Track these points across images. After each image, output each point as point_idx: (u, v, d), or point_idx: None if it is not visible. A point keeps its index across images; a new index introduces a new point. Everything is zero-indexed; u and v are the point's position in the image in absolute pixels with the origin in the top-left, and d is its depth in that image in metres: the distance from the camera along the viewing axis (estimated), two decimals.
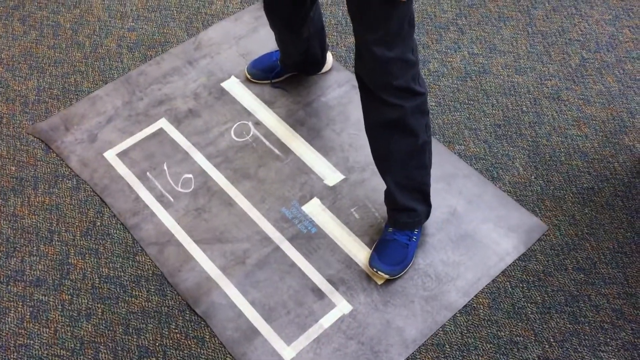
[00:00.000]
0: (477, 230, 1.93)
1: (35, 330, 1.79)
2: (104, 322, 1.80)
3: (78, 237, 1.95)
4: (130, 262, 1.90)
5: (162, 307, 1.82)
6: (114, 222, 1.97)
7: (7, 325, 1.80)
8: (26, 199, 2.03)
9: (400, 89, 1.55)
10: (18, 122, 2.21)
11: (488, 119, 2.18)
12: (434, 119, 2.17)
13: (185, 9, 2.51)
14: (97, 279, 1.87)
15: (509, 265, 1.87)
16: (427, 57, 2.35)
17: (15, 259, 1.91)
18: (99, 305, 1.83)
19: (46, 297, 1.84)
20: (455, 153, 2.10)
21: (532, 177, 2.05)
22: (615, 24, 2.45)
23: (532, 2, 2.52)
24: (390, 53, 1.48)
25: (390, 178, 1.76)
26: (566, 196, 2.01)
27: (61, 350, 1.76)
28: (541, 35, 2.42)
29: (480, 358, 1.73)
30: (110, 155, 2.11)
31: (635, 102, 2.22)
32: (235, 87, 2.26)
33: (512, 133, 2.15)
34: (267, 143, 2.13)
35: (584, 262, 1.88)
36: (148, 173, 2.07)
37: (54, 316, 1.81)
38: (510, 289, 1.84)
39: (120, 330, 1.78)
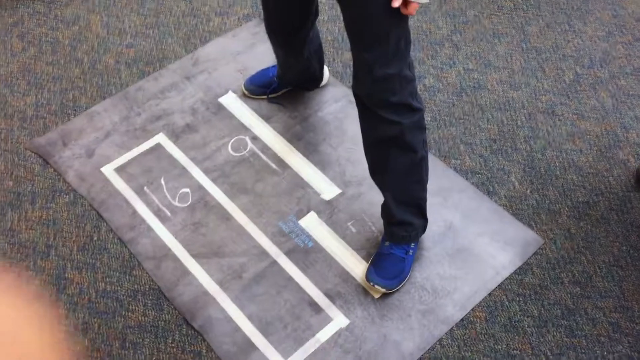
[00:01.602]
0: (474, 244, 1.93)
1: None
2: (100, 336, 1.79)
3: (75, 252, 1.95)
4: (127, 277, 1.90)
5: (159, 322, 1.82)
6: (111, 236, 1.98)
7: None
8: (23, 214, 2.03)
9: (399, 106, 1.56)
10: (16, 137, 2.22)
11: (483, 134, 2.20)
12: (430, 134, 2.19)
13: (183, 25, 2.53)
14: (93, 294, 1.87)
15: (506, 279, 1.88)
16: (423, 73, 2.37)
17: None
18: (95, 320, 1.82)
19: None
20: (451, 167, 2.11)
21: (528, 191, 2.06)
22: (609, 40, 2.48)
23: (526, 18, 2.55)
24: (388, 70, 1.50)
25: (388, 193, 1.77)
26: (562, 210, 2.02)
27: None
28: (535, 51, 2.45)
29: None
30: (108, 170, 2.11)
31: (629, 117, 2.25)
32: (233, 103, 2.28)
33: (508, 147, 2.16)
34: (264, 157, 2.14)
35: (580, 276, 1.89)
36: (145, 188, 2.07)
37: None
38: (506, 303, 1.84)
39: (117, 344, 1.78)
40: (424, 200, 1.81)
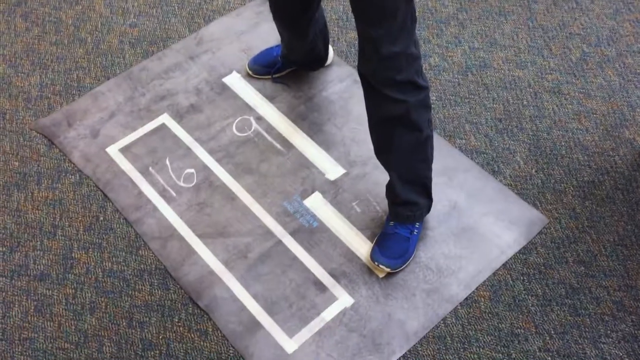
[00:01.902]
0: (478, 224, 1.94)
1: (40, 323, 1.80)
2: (107, 315, 1.81)
3: (81, 232, 1.96)
4: (134, 257, 1.91)
5: (165, 301, 1.83)
6: (117, 216, 1.99)
7: (11, 319, 1.81)
8: (29, 194, 2.04)
9: (405, 84, 1.56)
10: (21, 118, 2.22)
11: (489, 113, 2.19)
12: (435, 113, 2.18)
13: (186, 4, 2.52)
14: (100, 273, 1.89)
15: (510, 258, 1.88)
16: (428, 52, 2.35)
17: (19, 253, 1.93)
18: (102, 299, 1.84)
19: (50, 291, 1.86)
20: (456, 147, 2.11)
21: (533, 170, 2.06)
22: (616, 18, 2.45)
23: None
24: (394, 48, 1.49)
25: (393, 172, 1.77)
26: (567, 189, 2.02)
27: (65, 344, 1.77)
28: (542, 29, 2.42)
29: (481, 350, 1.74)
30: (113, 150, 2.12)
31: (635, 96, 2.23)
32: (237, 83, 2.27)
33: (513, 127, 2.16)
34: (269, 138, 2.14)
35: (585, 255, 1.89)
36: (150, 168, 2.08)
37: (58, 310, 1.82)
38: (511, 282, 1.84)
39: (124, 323, 1.80)
40: (429, 179, 1.81)
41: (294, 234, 1.93)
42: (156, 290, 1.85)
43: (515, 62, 2.32)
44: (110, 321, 1.80)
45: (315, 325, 1.77)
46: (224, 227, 1.95)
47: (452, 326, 1.77)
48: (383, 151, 1.76)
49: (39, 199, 2.03)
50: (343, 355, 1.72)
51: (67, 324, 1.80)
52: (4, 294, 1.85)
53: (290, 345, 1.74)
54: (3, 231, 1.97)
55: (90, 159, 2.10)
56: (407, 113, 1.61)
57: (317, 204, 1.98)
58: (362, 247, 1.90)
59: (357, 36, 2.12)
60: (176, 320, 1.80)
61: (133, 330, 1.79)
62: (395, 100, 1.58)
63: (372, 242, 1.90)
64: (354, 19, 1.57)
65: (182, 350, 1.75)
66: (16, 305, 1.84)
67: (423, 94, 1.61)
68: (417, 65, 1.57)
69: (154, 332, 1.78)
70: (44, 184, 2.06)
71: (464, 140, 2.12)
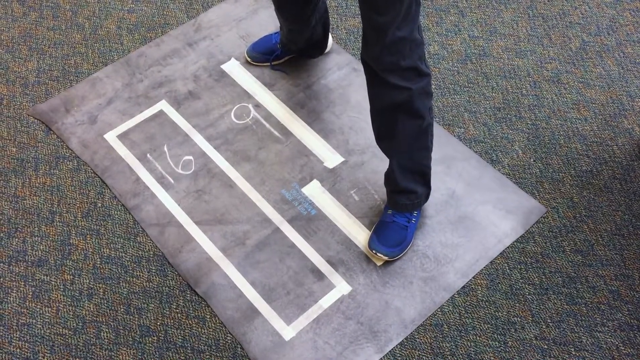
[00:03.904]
0: (476, 213, 1.94)
1: (38, 309, 1.81)
2: (105, 301, 1.81)
3: (79, 218, 1.96)
4: (131, 243, 1.91)
5: (163, 287, 1.83)
6: (115, 203, 1.99)
7: (9, 305, 1.81)
8: (27, 180, 2.04)
9: (408, 70, 1.56)
10: (18, 103, 2.21)
11: (488, 102, 2.19)
12: (434, 102, 2.18)
13: None
14: (98, 260, 1.89)
15: (507, 247, 1.89)
16: (428, 40, 2.34)
17: (16, 239, 1.93)
18: (100, 285, 1.84)
19: (48, 277, 1.86)
20: (454, 136, 2.11)
21: (531, 159, 2.06)
22: (616, 7, 2.44)
23: None
24: (399, 33, 1.49)
25: (393, 159, 1.77)
26: (565, 179, 2.02)
27: (63, 329, 1.77)
28: (542, 18, 2.41)
29: (478, 338, 1.75)
30: (111, 137, 2.11)
31: (634, 86, 2.23)
32: (235, 69, 2.26)
33: (512, 116, 2.15)
34: (267, 125, 2.13)
35: (582, 244, 1.90)
36: (148, 155, 2.07)
37: (56, 296, 1.83)
38: (508, 271, 1.85)
39: (122, 309, 1.80)
40: (429, 168, 1.81)
41: (292, 221, 1.93)
42: (154, 277, 1.85)
43: (514, 51, 2.32)
44: (108, 307, 1.81)
45: (313, 312, 1.77)
46: (222, 214, 1.95)
47: (449, 314, 1.78)
48: (384, 138, 1.75)
49: (37, 185, 2.03)
50: (340, 342, 1.73)
51: (65, 309, 1.81)
52: (1, 279, 1.86)
53: (287, 332, 1.75)
54: (1, 217, 1.97)
55: (88, 145, 2.10)
56: (409, 100, 1.60)
57: (315, 191, 1.98)
58: (360, 235, 1.90)
59: (356, 24, 2.11)
60: (174, 306, 1.80)
61: (131, 317, 1.79)
62: (399, 87, 1.58)
63: (370, 230, 1.90)
64: (352, 6, 1.56)
65: (179, 337, 1.75)
66: (14, 291, 1.84)
67: (425, 81, 1.61)
68: (421, 51, 1.56)
69: (152, 318, 1.79)
70: (41, 170, 2.06)
71: (462, 129, 2.12)
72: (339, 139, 2.09)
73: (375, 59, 1.57)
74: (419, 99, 1.61)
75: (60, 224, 1.95)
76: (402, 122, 1.66)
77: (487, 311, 1.79)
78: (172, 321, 1.78)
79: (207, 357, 1.73)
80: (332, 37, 2.32)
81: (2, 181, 2.04)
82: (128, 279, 1.85)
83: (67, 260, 1.88)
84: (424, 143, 1.74)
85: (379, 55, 1.55)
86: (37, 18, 2.44)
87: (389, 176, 1.81)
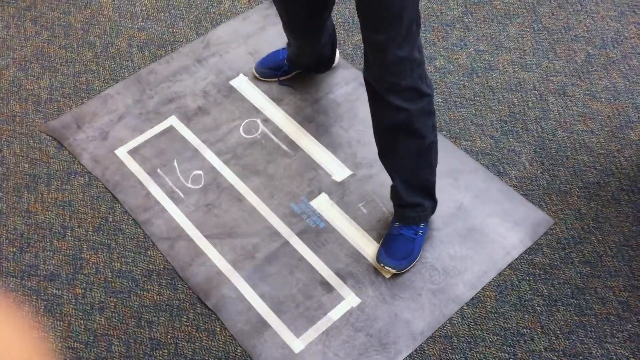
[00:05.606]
0: (484, 225, 1.95)
1: (50, 323, 1.82)
2: (116, 315, 1.83)
3: (90, 233, 1.98)
4: (142, 257, 1.93)
5: (174, 301, 1.85)
6: (126, 217, 2.01)
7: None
8: (39, 196, 2.07)
9: (408, 90, 1.57)
10: (31, 120, 2.25)
11: (494, 115, 2.20)
12: (441, 115, 2.19)
13: (194, 8, 2.54)
14: (109, 274, 1.91)
15: (516, 259, 1.89)
16: (434, 54, 2.37)
17: (29, 254, 1.95)
18: (111, 299, 1.86)
19: (60, 291, 1.88)
20: (461, 149, 2.12)
21: (538, 171, 2.07)
22: (621, 20, 2.46)
23: None
24: (399, 53, 1.50)
25: (396, 176, 1.78)
26: (572, 190, 2.03)
27: (75, 343, 1.79)
28: (547, 31, 2.44)
29: (487, 350, 1.75)
30: (122, 152, 2.14)
31: None
32: (244, 85, 2.29)
33: (518, 129, 2.17)
34: (276, 140, 2.16)
35: (590, 256, 1.90)
36: (159, 170, 2.10)
37: (67, 310, 1.84)
38: (516, 282, 1.85)
39: (133, 323, 1.82)
40: (433, 183, 1.82)
41: (301, 234, 1.94)
42: (164, 290, 1.87)
43: (520, 65, 2.34)
44: (119, 321, 1.82)
45: (322, 325, 1.78)
46: (232, 227, 1.97)
47: (458, 326, 1.78)
48: (387, 156, 1.77)
49: (49, 200, 2.06)
50: (350, 354, 1.73)
51: (76, 323, 1.82)
52: (14, 293, 1.88)
53: (297, 344, 1.75)
54: (13, 232, 1.99)
55: (99, 161, 2.12)
56: (408, 121, 1.62)
57: (323, 205, 2.00)
58: (368, 247, 1.91)
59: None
60: (184, 319, 1.82)
61: (142, 330, 1.80)
62: (398, 108, 1.59)
63: (378, 243, 1.91)
64: (359, 23, 1.58)
65: (190, 350, 1.77)
66: (27, 305, 1.86)
67: (425, 101, 1.62)
68: (421, 70, 1.58)
69: (163, 331, 1.80)
70: (53, 185, 2.09)
71: (469, 142, 2.14)
72: (347, 153, 2.11)
73: (376, 78, 1.59)
74: (419, 119, 1.63)
75: (72, 238, 1.98)
76: (403, 141, 1.68)
77: (496, 323, 1.79)
78: (182, 334, 1.79)
79: None
80: (339, 52, 2.35)
81: (15, 197, 2.07)
82: (139, 292, 1.87)
83: (79, 275, 1.90)
84: (426, 160, 1.75)
85: (380, 75, 1.57)
86: (49, 37, 2.49)
87: (394, 191, 1.83)
